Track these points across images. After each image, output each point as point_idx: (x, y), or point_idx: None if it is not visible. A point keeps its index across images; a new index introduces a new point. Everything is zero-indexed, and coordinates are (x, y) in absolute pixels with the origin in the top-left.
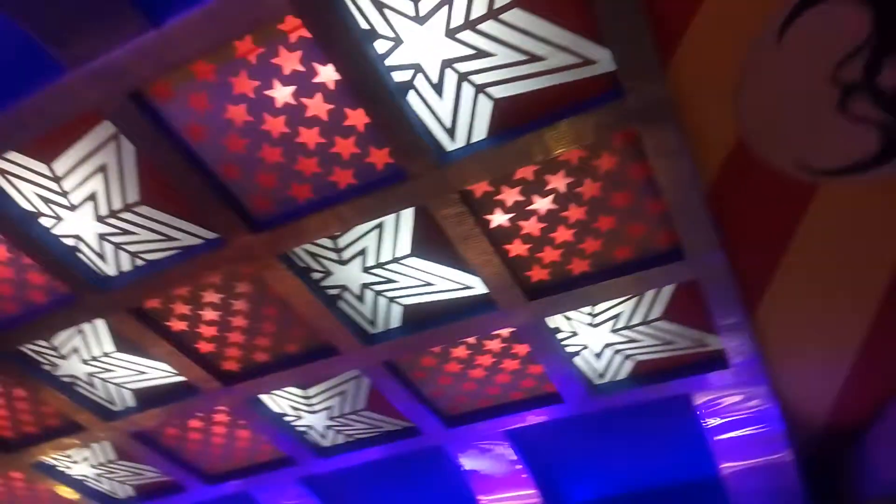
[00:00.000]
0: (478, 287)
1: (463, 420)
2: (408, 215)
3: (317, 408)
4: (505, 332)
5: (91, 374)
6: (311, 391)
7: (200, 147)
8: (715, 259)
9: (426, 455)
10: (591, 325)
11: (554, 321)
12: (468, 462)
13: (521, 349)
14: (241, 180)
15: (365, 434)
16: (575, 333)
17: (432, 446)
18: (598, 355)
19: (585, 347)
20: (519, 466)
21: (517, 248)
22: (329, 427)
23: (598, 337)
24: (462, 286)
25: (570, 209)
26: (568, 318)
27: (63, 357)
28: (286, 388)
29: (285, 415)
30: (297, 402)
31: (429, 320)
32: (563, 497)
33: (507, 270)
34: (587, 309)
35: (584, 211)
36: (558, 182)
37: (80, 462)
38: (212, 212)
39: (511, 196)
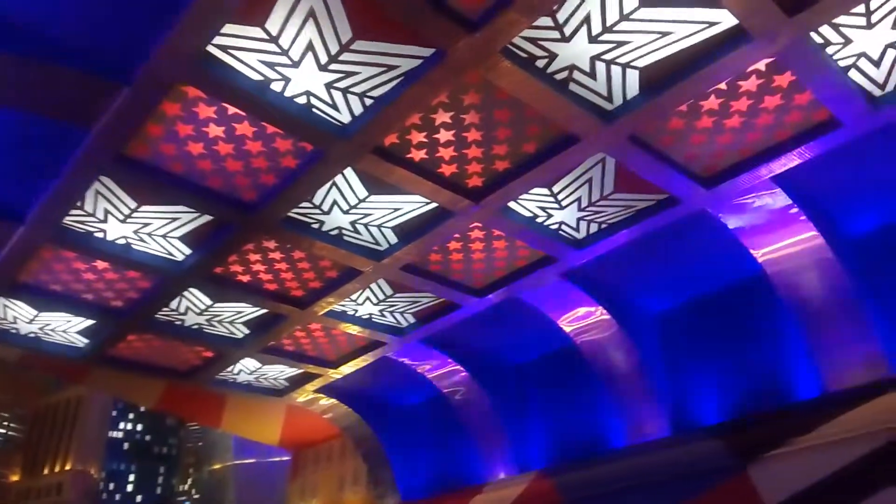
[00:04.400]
0: (724, 19)
1: (723, 177)
2: None
3: (565, 202)
4: (761, 65)
5: (353, 223)
6: (557, 187)
7: None
8: None
9: (686, 224)
10: (866, 26)
11: (820, 34)
12: (734, 220)
13: (783, 79)
14: None
15: (618, 217)
16: (847, 42)
17: (692, 212)
18: (878, 62)
19: (861, 56)
20: (794, 210)
21: None
22: (581, 219)
23: (877, 39)
24: (705, 24)
25: None
26: (836, 27)
27: (326, 213)
28: (532, 191)
29: (536, 217)
30: (546, 202)
31: (671, 77)
32: (848, 231)
33: None
34: (860, 8)
35: None
36: None
37: (364, 303)
38: (424, 24)
39: None
